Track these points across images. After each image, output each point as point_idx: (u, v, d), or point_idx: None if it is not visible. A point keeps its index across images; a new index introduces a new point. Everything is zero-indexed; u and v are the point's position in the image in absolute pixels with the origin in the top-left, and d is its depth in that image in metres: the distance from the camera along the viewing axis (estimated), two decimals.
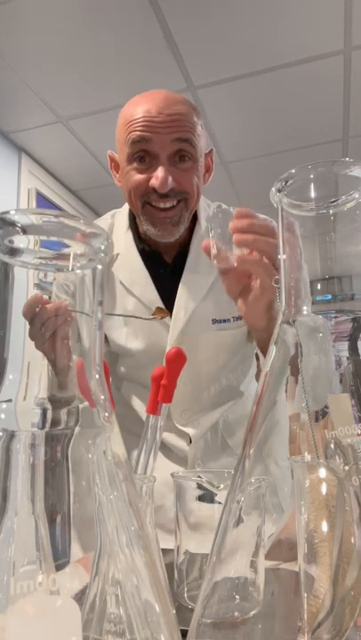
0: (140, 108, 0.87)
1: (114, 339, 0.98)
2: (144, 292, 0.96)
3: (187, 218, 0.92)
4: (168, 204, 0.88)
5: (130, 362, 0.99)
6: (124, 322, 0.98)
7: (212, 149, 0.98)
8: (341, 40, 2.02)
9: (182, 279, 0.96)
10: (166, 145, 0.86)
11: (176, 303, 0.94)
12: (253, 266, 0.67)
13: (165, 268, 0.99)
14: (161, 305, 0.95)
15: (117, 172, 0.97)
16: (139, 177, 0.88)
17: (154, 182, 0.86)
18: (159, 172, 0.85)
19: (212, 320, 0.96)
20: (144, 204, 0.89)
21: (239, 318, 0.97)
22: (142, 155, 0.87)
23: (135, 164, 0.88)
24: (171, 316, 0.94)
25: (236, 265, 0.66)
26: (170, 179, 0.86)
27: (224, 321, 0.96)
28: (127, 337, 0.97)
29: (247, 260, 0.66)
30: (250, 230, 0.65)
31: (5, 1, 1.82)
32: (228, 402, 1.00)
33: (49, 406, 0.24)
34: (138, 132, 0.86)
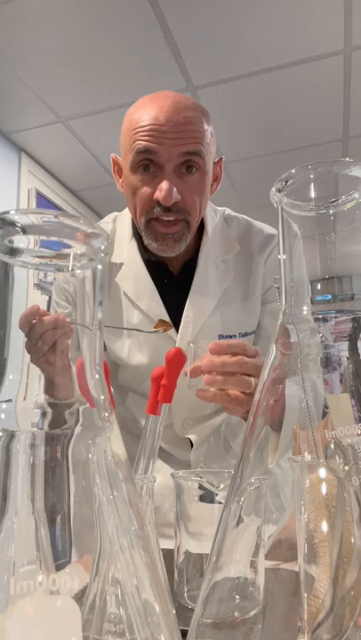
0: (146, 114, 0.83)
1: (115, 350, 0.96)
2: (150, 305, 0.94)
3: (188, 237, 0.90)
4: (171, 217, 0.86)
5: (131, 374, 0.98)
6: (127, 334, 0.96)
7: (221, 158, 0.96)
8: (341, 40, 2.02)
9: (190, 294, 0.94)
10: (173, 157, 0.83)
11: (183, 318, 0.92)
12: (221, 403, 0.71)
13: (171, 278, 0.97)
14: (166, 318, 0.92)
15: (120, 177, 0.94)
16: (143, 191, 0.85)
17: (158, 195, 0.83)
18: (164, 185, 0.83)
19: (219, 335, 0.94)
20: (149, 220, 0.87)
21: (245, 334, 0.96)
22: (147, 164, 0.84)
23: (140, 175, 0.85)
24: (177, 329, 0.93)
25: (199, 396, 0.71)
26: (174, 191, 0.83)
27: (230, 336, 0.94)
28: (130, 350, 0.95)
29: (210, 397, 0.70)
30: (222, 370, 0.68)
31: (5, 1, 1.82)
32: None
33: (49, 409, 0.24)
34: (143, 143, 0.83)
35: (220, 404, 0.73)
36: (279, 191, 0.33)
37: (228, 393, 0.69)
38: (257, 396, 0.34)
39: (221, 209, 1.06)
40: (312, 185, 0.33)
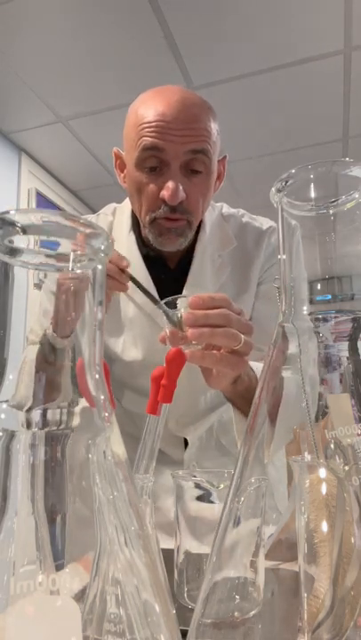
0: (153, 109, 0.82)
1: (110, 344, 0.96)
2: (146, 299, 0.92)
3: (189, 235, 0.89)
4: (175, 217, 0.85)
5: (124, 369, 0.97)
6: (123, 329, 0.95)
7: (225, 156, 0.95)
8: (341, 40, 2.02)
9: (185, 288, 0.93)
10: (179, 155, 0.82)
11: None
12: (209, 363, 0.64)
13: (168, 273, 0.96)
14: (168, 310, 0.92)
15: (122, 172, 0.93)
16: (150, 189, 0.84)
17: (164, 194, 0.82)
18: (170, 184, 0.81)
19: None
20: (154, 219, 0.86)
21: None
22: (154, 163, 0.83)
23: (145, 172, 0.84)
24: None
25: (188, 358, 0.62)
26: (180, 190, 0.82)
27: None
28: (125, 344, 0.95)
29: (198, 357, 0.62)
30: (205, 323, 0.61)
31: (5, 1, 1.82)
32: (224, 404, 0.98)
33: (49, 409, 0.24)
34: (150, 139, 0.81)
35: (211, 393, 0.66)
36: (279, 191, 0.33)
37: (215, 353, 0.63)
38: (257, 395, 0.34)
39: (219, 205, 1.05)
40: (312, 185, 0.33)
